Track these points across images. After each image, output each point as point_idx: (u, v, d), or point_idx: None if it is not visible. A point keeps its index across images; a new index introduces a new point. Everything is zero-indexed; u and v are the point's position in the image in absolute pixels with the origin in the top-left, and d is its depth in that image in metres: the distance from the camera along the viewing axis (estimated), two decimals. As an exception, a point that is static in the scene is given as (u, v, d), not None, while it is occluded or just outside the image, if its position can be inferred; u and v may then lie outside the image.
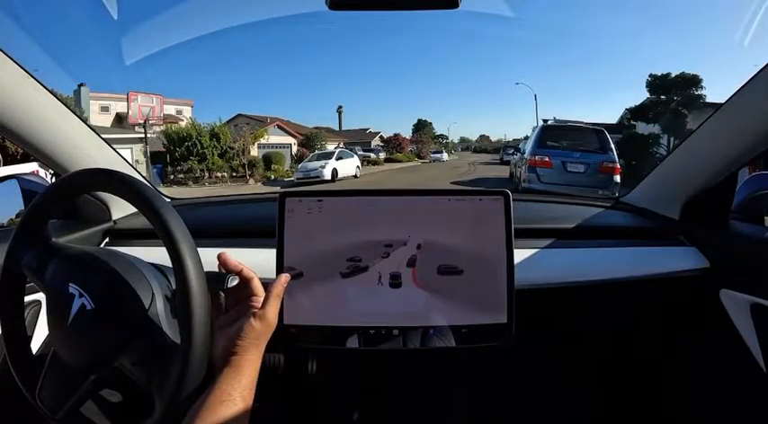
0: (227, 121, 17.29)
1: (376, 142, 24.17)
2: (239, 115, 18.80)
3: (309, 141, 19.25)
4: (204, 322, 0.47)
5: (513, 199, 0.72)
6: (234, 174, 15.12)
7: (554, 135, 6.95)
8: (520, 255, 0.73)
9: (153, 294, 0.53)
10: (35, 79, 0.72)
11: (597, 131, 7.14)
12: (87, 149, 0.86)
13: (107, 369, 0.51)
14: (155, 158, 14.13)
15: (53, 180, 0.96)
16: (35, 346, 0.74)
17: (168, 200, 1.07)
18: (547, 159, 6.55)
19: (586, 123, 8.19)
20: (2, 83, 0.67)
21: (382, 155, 21.65)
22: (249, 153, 16.06)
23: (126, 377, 0.50)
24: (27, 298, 0.66)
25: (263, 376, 0.92)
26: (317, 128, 21.78)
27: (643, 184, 1.03)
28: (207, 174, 14.68)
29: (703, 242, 0.85)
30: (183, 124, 15.40)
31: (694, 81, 14.01)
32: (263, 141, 17.39)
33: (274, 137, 18.35)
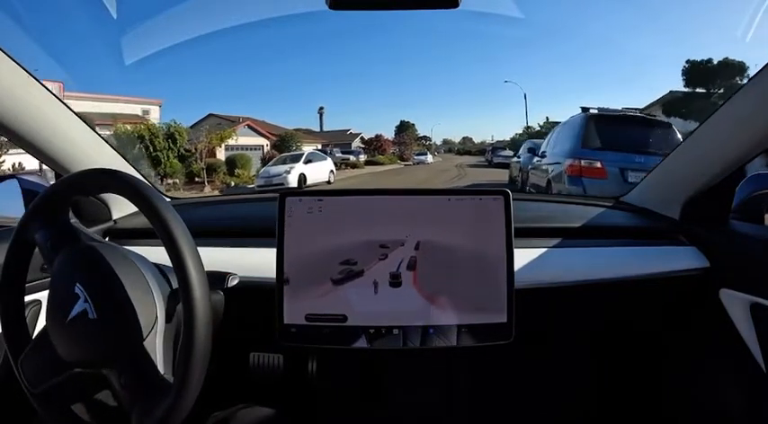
0: (198, 121, 15.97)
1: (357, 143, 22.86)
2: (210, 115, 17.27)
3: (284, 142, 17.40)
4: (206, 322, 0.46)
5: (513, 199, 0.72)
6: (197, 180, 13.51)
7: (605, 129, 4.45)
8: (520, 255, 0.74)
9: (156, 316, 0.52)
10: (35, 78, 0.72)
11: (664, 124, 4.89)
12: (87, 148, 0.86)
13: (93, 371, 0.51)
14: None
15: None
16: None
17: (168, 200, 1.07)
18: (599, 165, 4.24)
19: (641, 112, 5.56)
20: (2, 83, 0.67)
21: (363, 158, 19.94)
22: (215, 155, 14.52)
23: (109, 383, 0.50)
24: (27, 298, 0.66)
25: (262, 377, 0.92)
26: (297, 129, 20.58)
27: (643, 184, 1.03)
28: (160, 180, 12.84)
29: (703, 241, 0.85)
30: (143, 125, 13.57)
31: (741, 68, 11.41)
32: (230, 142, 15.49)
33: (244, 138, 16.57)
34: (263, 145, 17.42)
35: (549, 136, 5.99)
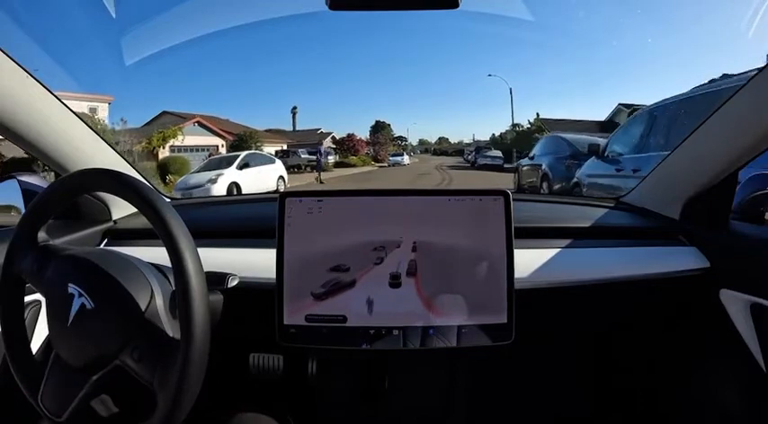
0: (152, 120, 14.30)
1: (328, 143, 20.44)
2: (164, 113, 15.02)
3: (243, 142, 15.10)
4: (204, 321, 0.47)
5: (514, 199, 0.72)
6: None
7: None
8: (520, 255, 0.74)
9: (152, 292, 0.54)
10: (35, 79, 0.72)
11: None
12: (87, 149, 0.86)
13: (109, 368, 0.51)
14: (18, 167, 8.88)
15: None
16: (35, 346, 0.74)
17: (168, 200, 1.07)
18: None
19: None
20: (2, 83, 0.67)
21: (332, 159, 17.19)
22: (158, 158, 12.29)
23: (128, 377, 0.50)
24: (27, 298, 0.66)
25: (262, 378, 0.92)
26: (269, 129, 19.01)
27: (643, 184, 1.03)
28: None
29: (703, 242, 0.85)
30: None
31: None
32: (176, 143, 13.07)
33: (194, 138, 14.14)
34: (217, 146, 15.10)
35: (630, 124, 3.90)
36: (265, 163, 9.90)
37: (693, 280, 0.84)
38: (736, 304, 0.79)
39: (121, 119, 12.43)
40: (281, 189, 9.11)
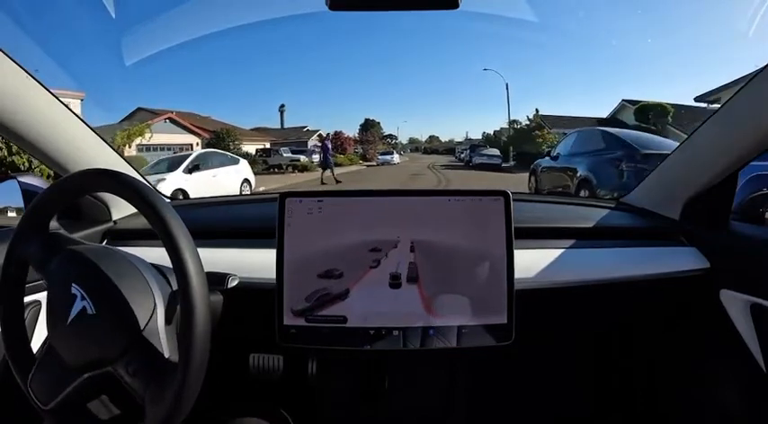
0: (126, 117, 13.52)
1: (314, 141, 18.93)
2: (139, 109, 14.10)
3: (220, 140, 14.21)
4: (205, 321, 0.47)
5: (513, 199, 0.72)
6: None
7: None
8: (520, 255, 0.74)
9: (155, 304, 0.53)
10: (36, 79, 0.72)
11: None
12: (87, 150, 0.86)
13: (103, 371, 0.51)
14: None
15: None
16: (35, 346, 0.74)
17: (168, 201, 1.07)
18: None
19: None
20: (2, 83, 0.67)
21: (317, 158, 14.82)
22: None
23: (119, 383, 0.50)
24: (27, 298, 0.66)
25: (262, 378, 0.92)
26: (255, 128, 18.41)
27: (643, 184, 1.03)
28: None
29: (703, 242, 0.85)
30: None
31: None
32: (144, 141, 11.90)
33: (165, 136, 12.96)
34: (191, 144, 14.02)
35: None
36: (226, 164, 8.24)
37: (693, 281, 0.84)
38: (736, 304, 0.79)
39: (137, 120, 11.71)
40: (248, 192, 7.99)
